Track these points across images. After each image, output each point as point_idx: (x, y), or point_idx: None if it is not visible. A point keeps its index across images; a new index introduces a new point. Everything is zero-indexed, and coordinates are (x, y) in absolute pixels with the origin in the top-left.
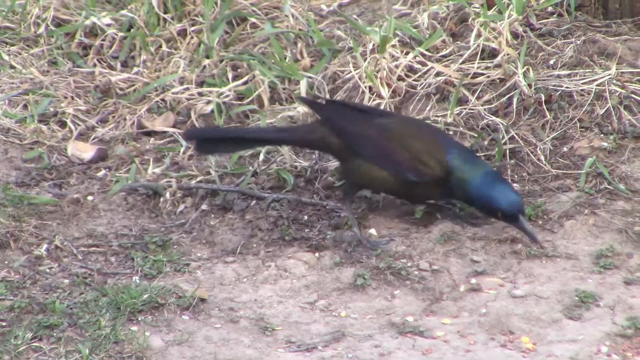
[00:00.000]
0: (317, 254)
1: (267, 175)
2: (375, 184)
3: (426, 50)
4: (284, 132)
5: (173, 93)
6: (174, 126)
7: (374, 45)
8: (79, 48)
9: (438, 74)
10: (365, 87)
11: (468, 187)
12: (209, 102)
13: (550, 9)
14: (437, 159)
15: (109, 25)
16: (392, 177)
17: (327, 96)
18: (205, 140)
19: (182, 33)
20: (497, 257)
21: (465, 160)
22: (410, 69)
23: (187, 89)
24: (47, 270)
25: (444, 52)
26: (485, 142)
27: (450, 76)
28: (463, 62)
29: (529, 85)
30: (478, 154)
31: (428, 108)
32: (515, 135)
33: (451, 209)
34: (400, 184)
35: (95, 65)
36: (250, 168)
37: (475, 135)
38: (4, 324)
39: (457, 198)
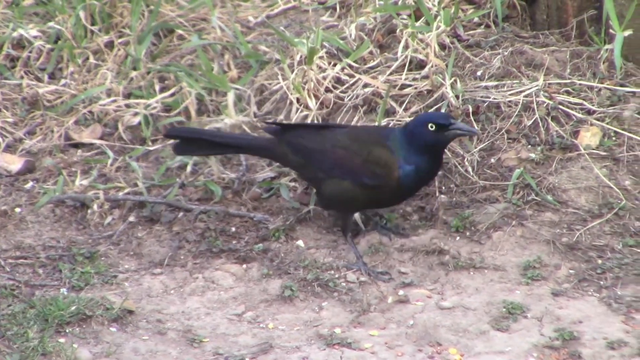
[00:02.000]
0: (244, 266)
1: (194, 187)
2: (345, 198)
3: (354, 61)
4: (255, 141)
5: (100, 105)
6: (101, 138)
7: (301, 57)
8: (7, 60)
9: (366, 86)
10: (293, 98)
11: (398, 138)
12: (136, 113)
13: (477, 20)
14: (382, 147)
15: (36, 37)
16: (354, 186)
17: (255, 108)
18: (183, 140)
19: (110, 45)
20: (424, 269)
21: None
22: (338, 81)
23: (115, 100)
24: None
25: (371, 64)
26: None
27: (377, 87)
28: (391, 74)
29: (457, 97)
30: None
31: (356, 119)
32: None
33: (378, 222)
34: (364, 191)
35: (22, 77)
36: (178, 180)
37: None
38: None
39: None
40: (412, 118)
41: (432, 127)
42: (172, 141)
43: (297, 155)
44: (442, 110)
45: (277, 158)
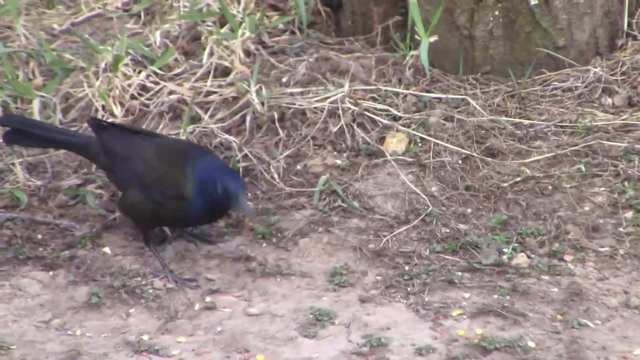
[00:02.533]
0: (51, 273)
1: (0, 194)
2: (139, 210)
3: (159, 68)
4: (73, 138)
5: None
6: None
7: (106, 64)
8: None
9: (171, 93)
10: (99, 106)
11: (198, 177)
12: None
13: (282, 26)
14: (181, 172)
15: None
16: (147, 201)
17: (60, 115)
18: (14, 130)
19: None
20: (231, 276)
21: (203, 165)
22: (143, 88)
23: None
24: None
25: (176, 71)
26: None
27: (183, 94)
28: (196, 81)
29: (262, 103)
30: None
31: (161, 127)
32: (248, 153)
33: (185, 229)
34: (162, 208)
35: None
36: None
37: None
38: None
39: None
40: (208, 160)
41: (220, 190)
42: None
43: (106, 157)
44: (248, 119)
45: (91, 158)
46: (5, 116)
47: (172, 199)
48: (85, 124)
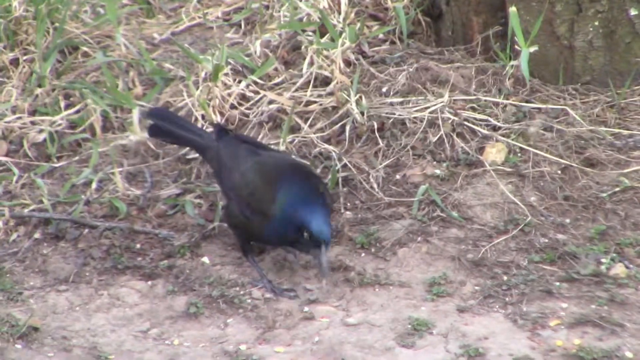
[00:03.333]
0: (149, 282)
1: (99, 204)
2: (235, 222)
3: (259, 78)
4: (199, 139)
5: (5, 122)
6: (6, 155)
7: (206, 73)
8: None
9: (271, 102)
10: (198, 115)
11: (285, 204)
12: (41, 130)
13: (382, 36)
14: (269, 191)
15: None
16: (242, 215)
17: None
18: (157, 125)
19: (15, 62)
20: (330, 286)
21: (292, 191)
22: (243, 97)
23: (20, 117)
24: None
25: (276, 80)
26: (319, 170)
27: (282, 104)
28: (296, 90)
29: (362, 113)
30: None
31: (261, 136)
32: (348, 163)
33: None
34: (250, 223)
35: None
36: (83, 196)
37: (309, 163)
38: None
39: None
40: (291, 205)
41: (306, 235)
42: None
43: (217, 164)
44: (347, 128)
45: (208, 161)
46: (152, 110)
47: (257, 215)
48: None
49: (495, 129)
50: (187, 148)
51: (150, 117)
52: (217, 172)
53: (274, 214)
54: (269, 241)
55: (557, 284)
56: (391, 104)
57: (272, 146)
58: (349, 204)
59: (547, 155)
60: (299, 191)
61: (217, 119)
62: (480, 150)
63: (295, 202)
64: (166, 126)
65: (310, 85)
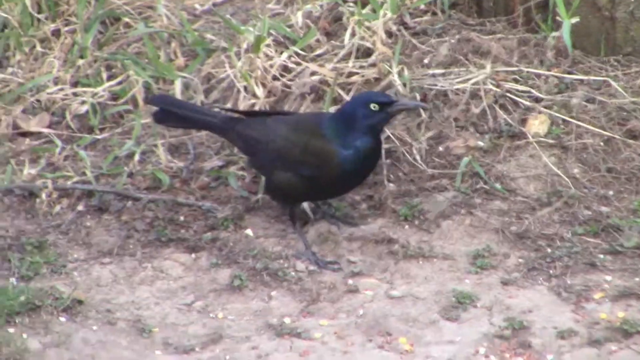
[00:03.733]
0: (193, 255)
1: (142, 176)
2: (289, 189)
3: (300, 49)
4: (214, 120)
5: (48, 93)
6: (49, 127)
7: (248, 45)
8: None
9: (313, 74)
10: (241, 87)
11: (335, 125)
12: (83, 102)
13: (424, 7)
14: (318, 135)
15: None
16: (296, 178)
17: (202, 96)
18: (162, 110)
19: (56, 33)
20: (374, 258)
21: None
22: (285, 69)
23: (62, 89)
24: None
25: (318, 52)
26: None
27: (325, 75)
28: (338, 61)
29: (404, 85)
30: None
31: (303, 108)
32: (390, 135)
33: (327, 210)
34: (306, 183)
35: None
36: (126, 168)
37: None
38: None
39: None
40: (345, 102)
41: (374, 107)
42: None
43: (245, 145)
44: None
45: (232, 142)
46: (155, 96)
47: (322, 168)
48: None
49: (537, 100)
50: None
51: (154, 104)
52: (247, 151)
53: (335, 150)
54: (346, 182)
55: (601, 256)
56: (433, 75)
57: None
58: (392, 176)
59: (590, 127)
60: (336, 114)
61: (259, 90)
62: (523, 121)
63: (341, 117)
64: (176, 111)
65: (352, 57)
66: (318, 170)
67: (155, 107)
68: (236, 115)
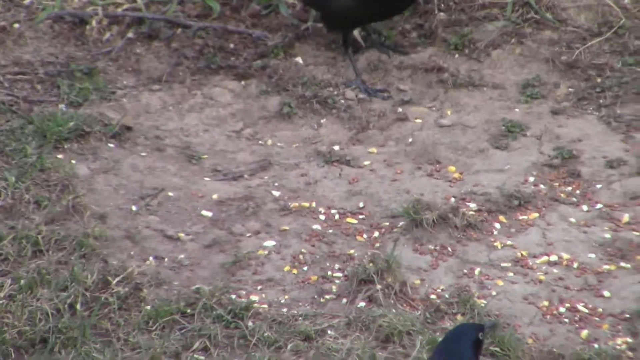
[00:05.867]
0: (242, 82)
1: (193, 3)
2: (349, 13)
3: None
4: None
5: None
6: None
7: None
8: None
9: None
10: None
11: None
12: None
13: None
14: None
15: None
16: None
17: None
18: None
19: None
20: (423, 87)
21: None
22: None
23: None
24: None
25: None
26: None
27: None
28: None
29: None
30: None
31: None
32: None
33: (377, 39)
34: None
35: None
36: None
37: None
38: None
39: None
40: None
41: None
42: None
43: None
44: None
45: None
46: None
47: None
48: None
49: None
50: None
51: None
52: None
53: None
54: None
55: None
56: None
57: None
58: (442, 5)
59: None
60: None
61: None
62: None
63: None
64: None
65: None
66: None
67: None
68: None
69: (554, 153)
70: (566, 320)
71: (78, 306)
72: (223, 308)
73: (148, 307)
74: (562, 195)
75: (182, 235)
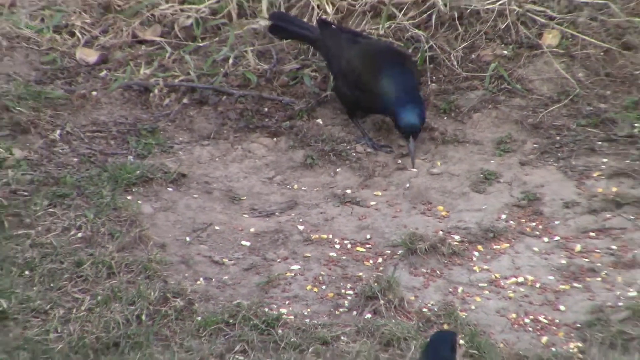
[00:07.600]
0: (274, 139)
1: (235, 76)
2: (345, 99)
3: None
4: (310, 33)
5: (160, 9)
6: (160, 36)
7: None
8: None
9: None
10: (315, 4)
11: (386, 100)
12: (189, 16)
13: None
14: (373, 75)
15: None
16: (351, 94)
17: (283, 9)
18: (276, 25)
19: None
20: (418, 143)
21: (393, 78)
22: None
23: (172, 5)
24: (60, 151)
25: None
26: (410, 50)
27: None
28: None
29: (445, 5)
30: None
31: (364, 23)
32: (433, 44)
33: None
34: (355, 97)
35: None
36: (222, 69)
37: (402, 44)
38: (25, 193)
39: (383, 109)
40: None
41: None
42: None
43: (324, 51)
44: (433, 17)
45: (318, 49)
46: (274, 13)
47: (366, 93)
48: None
49: (551, 18)
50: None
51: (271, 19)
52: (326, 59)
53: (380, 92)
54: (377, 111)
55: (599, 143)
56: None
57: (371, 32)
58: (434, 78)
59: (593, 40)
60: (397, 77)
61: (329, 8)
62: (539, 35)
63: (393, 90)
64: (283, 25)
65: None
66: (362, 95)
67: (271, 22)
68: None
69: (521, 196)
70: (530, 329)
71: (143, 317)
72: (258, 319)
73: (199, 318)
74: (527, 229)
75: (226, 260)
